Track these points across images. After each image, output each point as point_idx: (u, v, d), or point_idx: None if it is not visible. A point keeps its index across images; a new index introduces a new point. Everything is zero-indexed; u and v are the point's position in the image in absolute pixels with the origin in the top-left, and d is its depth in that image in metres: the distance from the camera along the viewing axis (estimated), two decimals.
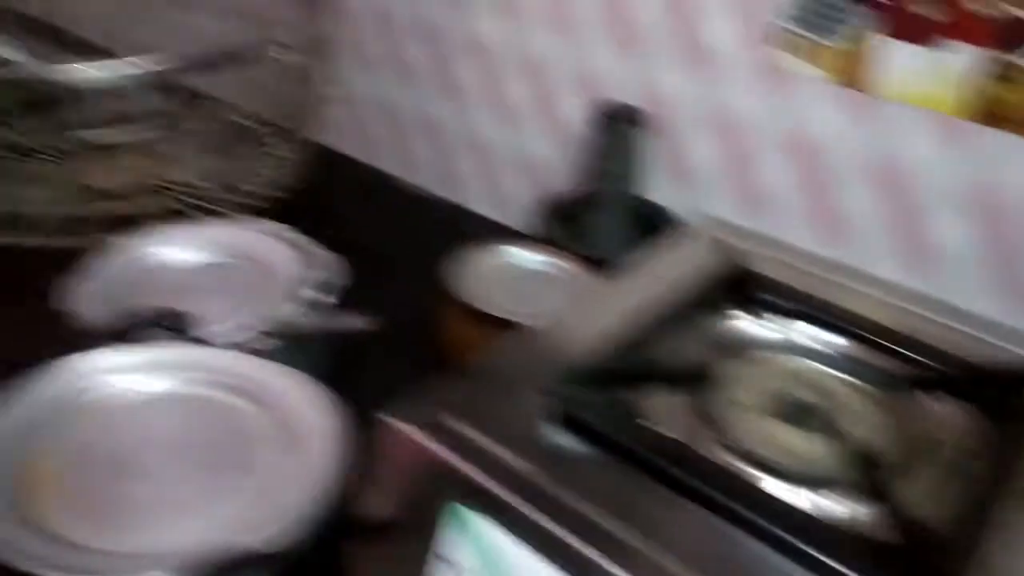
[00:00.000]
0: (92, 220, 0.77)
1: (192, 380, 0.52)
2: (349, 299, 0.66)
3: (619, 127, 0.73)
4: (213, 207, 0.82)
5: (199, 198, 0.83)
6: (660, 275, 0.55)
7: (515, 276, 0.64)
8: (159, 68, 0.65)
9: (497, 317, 0.59)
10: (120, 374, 0.51)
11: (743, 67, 0.68)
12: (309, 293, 0.65)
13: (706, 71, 0.70)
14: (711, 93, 0.71)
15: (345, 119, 1.01)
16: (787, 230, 0.70)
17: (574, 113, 0.81)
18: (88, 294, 0.60)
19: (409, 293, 0.79)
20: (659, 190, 0.77)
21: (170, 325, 0.55)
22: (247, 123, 0.93)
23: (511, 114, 0.86)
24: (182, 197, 0.83)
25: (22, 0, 1.13)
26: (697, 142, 0.73)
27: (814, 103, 0.66)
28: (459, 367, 0.48)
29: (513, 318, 0.59)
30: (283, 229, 0.72)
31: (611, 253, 0.70)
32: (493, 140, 0.89)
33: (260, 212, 0.85)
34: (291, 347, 0.61)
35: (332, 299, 0.64)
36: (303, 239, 0.71)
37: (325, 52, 0.82)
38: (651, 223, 0.74)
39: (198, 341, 0.56)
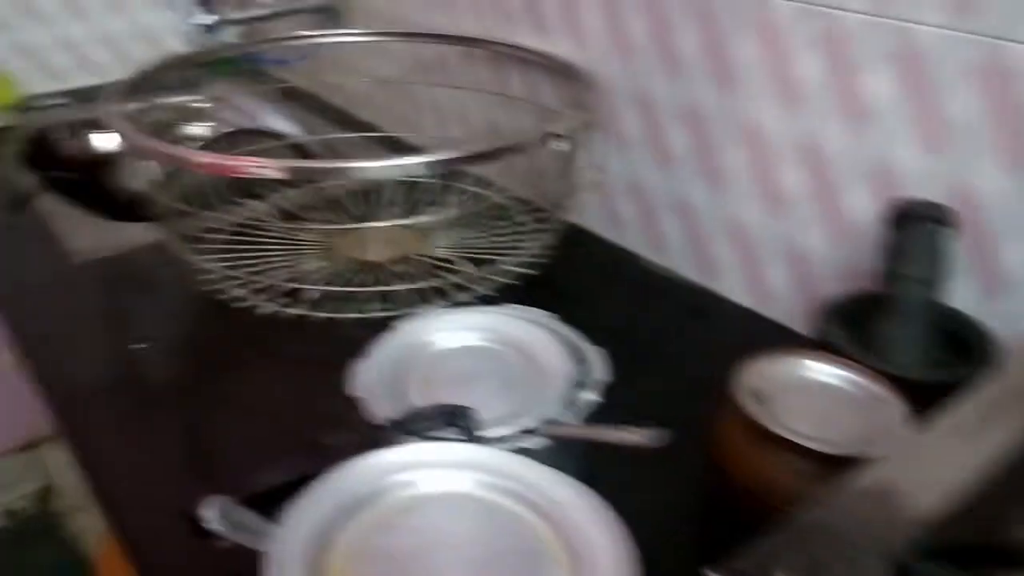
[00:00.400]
0: (362, 295, 0.80)
1: (481, 483, 0.51)
2: (611, 396, 0.63)
3: (922, 226, 0.65)
4: (469, 284, 0.83)
5: (456, 273, 0.85)
6: (1003, 411, 0.47)
7: (807, 391, 0.58)
8: (446, 159, 0.66)
9: (793, 442, 0.53)
10: (412, 471, 0.50)
11: None
12: (579, 393, 0.63)
13: None
14: None
15: (595, 198, 1.00)
16: None
17: (859, 207, 0.74)
18: (373, 380, 0.61)
19: (672, 392, 0.75)
20: (965, 300, 0.68)
21: (457, 423, 0.54)
22: (504, 202, 0.94)
23: (782, 204, 0.80)
24: (442, 274, 0.84)
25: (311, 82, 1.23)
26: (1019, 248, 0.65)
27: None
28: (772, 511, 0.44)
29: (811, 444, 0.53)
30: (548, 318, 0.71)
31: (907, 369, 0.63)
32: (758, 229, 0.84)
33: (513, 289, 0.85)
34: (558, 449, 0.58)
35: (598, 398, 0.62)
36: (567, 330, 0.69)
37: (589, 137, 0.81)
38: (957, 338, 0.66)
39: (480, 439, 0.55)
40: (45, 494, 1.69)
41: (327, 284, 0.81)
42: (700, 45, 0.82)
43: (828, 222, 0.77)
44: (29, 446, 1.78)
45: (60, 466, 1.73)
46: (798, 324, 0.84)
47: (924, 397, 0.56)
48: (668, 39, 0.85)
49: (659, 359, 0.80)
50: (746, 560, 0.38)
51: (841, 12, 0.70)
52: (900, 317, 0.65)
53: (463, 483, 0.50)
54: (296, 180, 0.69)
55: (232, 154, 0.67)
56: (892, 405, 0.56)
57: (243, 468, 0.64)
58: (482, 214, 0.89)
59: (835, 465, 0.53)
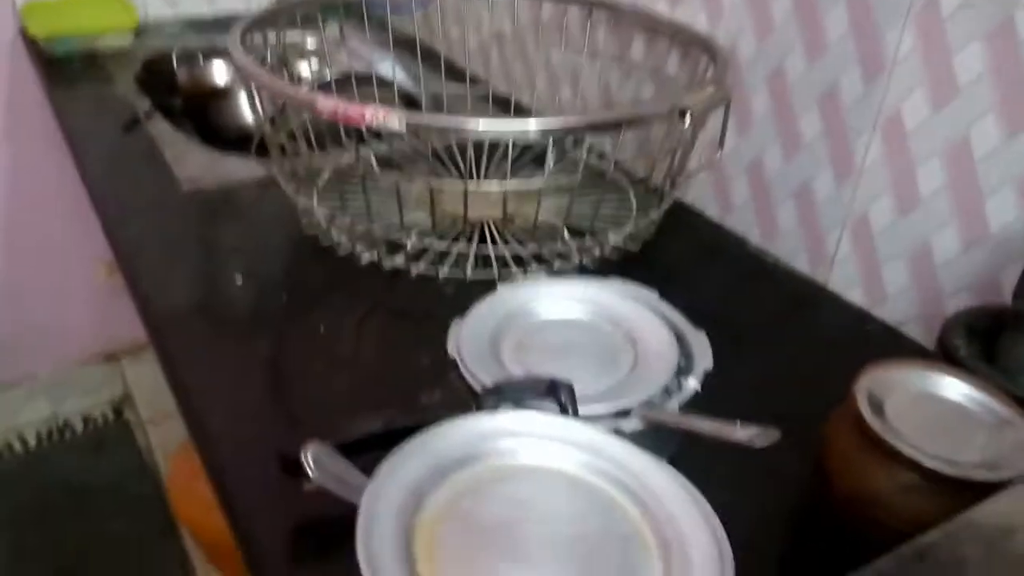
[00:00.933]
0: (462, 255, 0.79)
1: (579, 462, 0.49)
2: (710, 383, 0.60)
3: None
4: (570, 253, 0.81)
5: (558, 241, 0.83)
6: None
7: (928, 405, 0.55)
8: (571, 125, 0.64)
9: (909, 457, 0.50)
10: (511, 439, 0.50)
11: None
12: (680, 379, 0.61)
13: None
14: None
15: (707, 176, 0.96)
16: None
17: (1004, 214, 0.69)
18: (470, 342, 0.60)
19: (774, 386, 0.72)
20: None
21: (556, 396, 0.53)
22: (615, 173, 0.91)
23: (916, 202, 0.75)
24: (543, 240, 0.82)
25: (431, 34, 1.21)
26: None
27: None
28: (875, 526, 0.41)
29: (927, 461, 0.49)
30: (652, 296, 0.68)
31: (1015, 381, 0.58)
32: (884, 225, 0.79)
33: (614, 263, 0.82)
34: (653, 435, 0.56)
35: (698, 386, 0.59)
36: (671, 310, 0.67)
37: (714, 114, 0.77)
38: None
39: (577, 415, 0.53)
40: (121, 404, 1.77)
41: (428, 238, 0.81)
42: (848, 27, 0.77)
43: (965, 226, 0.72)
44: (111, 357, 1.86)
45: (139, 379, 1.81)
46: (912, 331, 0.79)
47: None
48: (813, 18, 0.80)
49: (761, 350, 0.76)
50: None
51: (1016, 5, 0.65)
52: None
53: (561, 459, 0.49)
54: (415, 133, 0.68)
55: (347, 99, 0.66)
56: (1020, 429, 0.52)
57: (332, 414, 0.64)
58: (591, 183, 0.86)
59: (951, 487, 0.49)
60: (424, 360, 0.70)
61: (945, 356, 0.62)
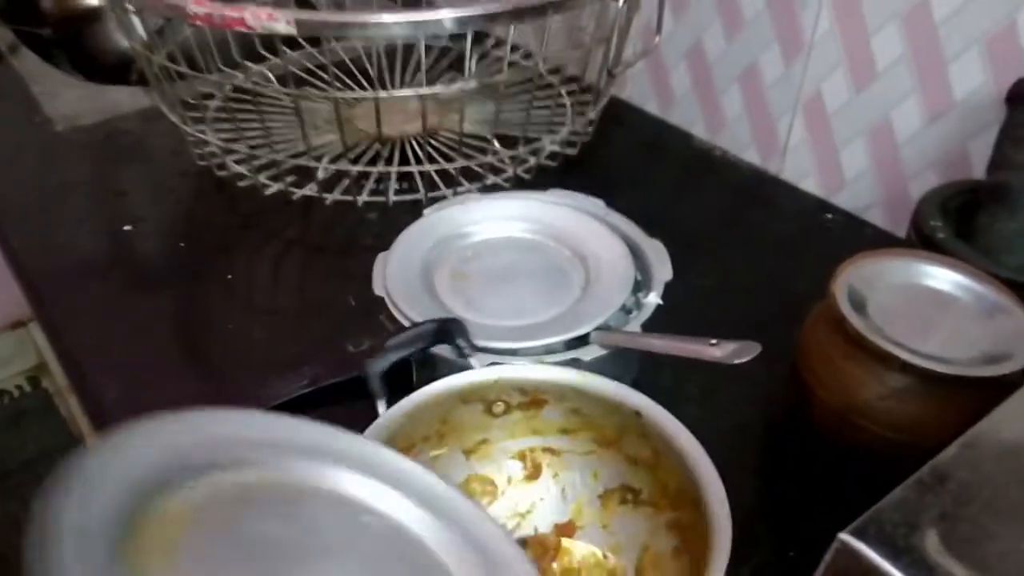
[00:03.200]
0: (381, 175, 0.70)
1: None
2: (669, 297, 0.54)
3: None
4: (505, 166, 0.73)
5: (487, 152, 0.74)
6: None
7: (913, 297, 0.49)
8: (483, 14, 0.54)
9: (899, 358, 0.44)
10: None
11: None
12: (638, 295, 0.54)
13: None
14: None
15: (646, 68, 0.88)
16: None
17: (968, 82, 0.63)
18: (397, 276, 0.52)
19: (738, 292, 0.66)
20: None
21: (449, 340, 0.46)
22: (542, 71, 0.82)
23: (873, 74, 0.69)
24: (470, 152, 0.74)
25: None
26: None
27: None
28: (870, 438, 0.35)
29: (921, 362, 0.44)
30: (597, 205, 0.61)
31: (1013, 269, 0.53)
32: (839, 104, 0.72)
33: (550, 172, 0.74)
34: (614, 359, 0.50)
35: (659, 300, 0.53)
36: (620, 219, 0.60)
37: None
38: None
39: (481, 351, 0.46)
40: (37, 374, 1.64)
41: (339, 161, 0.71)
42: None
43: (927, 97, 0.66)
44: (18, 324, 1.71)
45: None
46: (875, 216, 0.74)
47: None
48: None
49: (719, 252, 0.70)
50: (888, 520, 0.29)
51: None
52: (1013, 211, 0.55)
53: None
54: (306, 36, 0.58)
55: (231, 4, 0.55)
56: (1016, 317, 0.47)
57: (249, 374, 0.56)
58: (519, 85, 0.77)
59: (948, 386, 0.44)
60: (350, 301, 0.62)
61: (921, 241, 0.57)
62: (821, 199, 0.77)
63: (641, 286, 0.55)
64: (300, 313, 0.62)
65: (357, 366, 0.46)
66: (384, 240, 0.63)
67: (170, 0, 0.55)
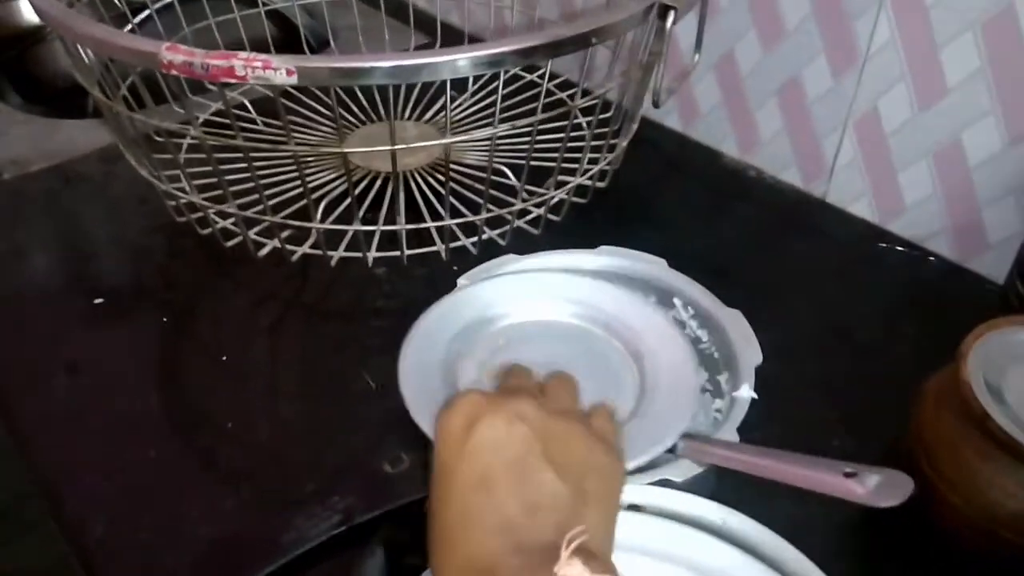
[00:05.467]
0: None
1: None
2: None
3: None
4: (525, 203, 0.63)
5: (506, 190, 0.65)
6: None
7: None
8: (517, 49, 0.45)
9: None
10: None
11: None
12: (724, 383, 0.46)
13: None
14: None
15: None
16: None
17: None
18: (420, 378, 0.42)
19: (824, 360, 0.57)
20: None
21: None
22: (560, 94, 0.72)
23: (940, 90, 0.61)
24: (488, 190, 0.64)
25: None
26: None
27: None
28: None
29: None
30: (660, 266, 0.52)
31: None
32: (898, 121, 0.65)
33: (578, 210, 0.66)
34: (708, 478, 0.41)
35: (751, 393, 0.45)
36: (686, 281, 0.51)
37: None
38: None
39: None
40: None
41: (341, 208, 0.62)
42: None
43: (1007, 117, 0.58)
44: None
45: None
46: (939, 246, 0.66)
47: None
48: None
49: (778, 305, 0.62)
50: None
51: None
52: None
53: None
54: (308, 86, 0.48)
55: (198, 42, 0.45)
56: None
57: (262, 498, 0.46)
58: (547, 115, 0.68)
59: None
60: (368, 382, 0.53)
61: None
62: (874, 224, 0.70)
63: (719, 367, 0.47)
64: (313, 405, 0.53)
65: (397, 493, 0.38)
66: (397, 301, 0.55)
67: (139, 46, 0.45)
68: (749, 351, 0.46)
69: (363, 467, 0.46)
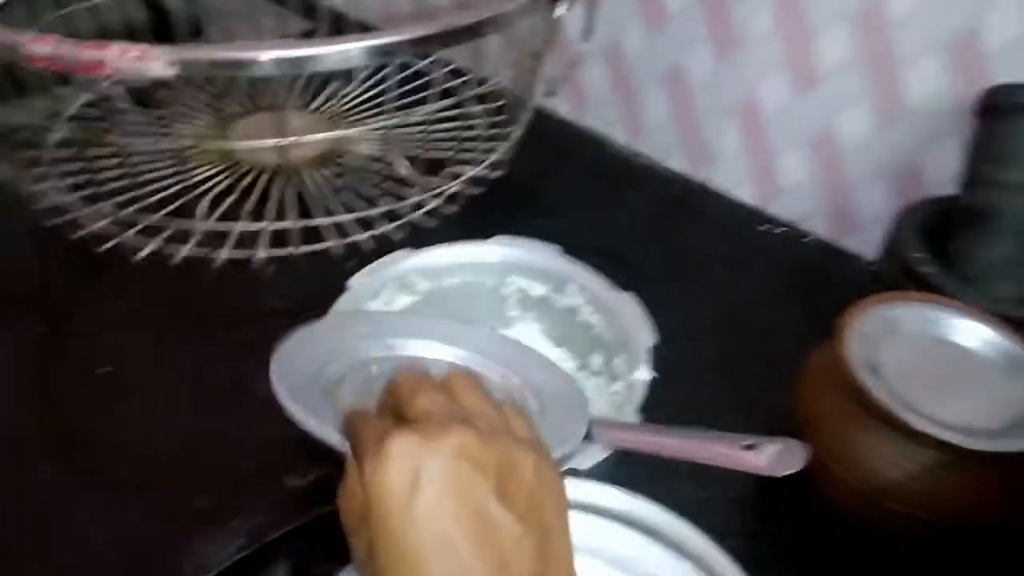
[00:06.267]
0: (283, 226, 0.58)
1: None
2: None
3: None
4: (417, 195, 0.63)
5: (399, 182, 0.64)
6: None
7: (928, 354, 0.45)
8: (405, 39, 0.45)
9: (942, 440, 0.40)
10: None
11: None
12: (618, 365, 0.47)
13: None
14: None
15: (553, 68, 0.79)
16: None
17: (925, 86, 0.59)
18: (307, 392, 0.41)
19: (706, 337, 0.59)
20: None
21: None
22: (452, 81, 0.71)
23: (815, 77, 0.64)
24: (378, 183, 0.63)
25: None
26: None
27: None
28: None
29: (958, 440, 0.40)
30: (553, 253, 0.53)
31: (1011, 305, 0.50)
32: (777, 107, 0.67)
33: (471, 201, 0.65)
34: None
35: (650, 373, 0.46)
36: (580, 270, 0.52)
37: None
38: None
39: None
40: None
41: (225, 203, 0.59)
42: None
43: (876, 103, 0.62)
44: None
45: None
46: (816, 226, 0.70)
47: None
48: None
49: (670, 289, 0.63)
50: None
51: None
52: (997, 237, 0.52)
53: None
54: (190, 76, 0.45)
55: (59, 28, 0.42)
56: None
57: (163, 520, 0.44)
58: (426, 99, 0.67)
59: (981, 459, 0.40)
60: (276, 403, 0.50)
61: (902, 272, 0.53)
62: (755, 208, 0.73)
63: (615, 350, 0.48)
64: (206, 417, 0.50)
65: (303, 507, 0.37)
66: (291, 301, 0.53)
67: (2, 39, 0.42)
68: (643, 333, 0.47)
69: (266, 482, 0.44)
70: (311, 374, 0.41)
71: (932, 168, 0.61)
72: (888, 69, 0.60)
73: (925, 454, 0.41)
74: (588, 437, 0.40)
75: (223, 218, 0.58)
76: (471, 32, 0.47)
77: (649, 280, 0.63)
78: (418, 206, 0.60)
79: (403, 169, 0.64)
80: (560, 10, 0.51)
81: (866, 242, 0.67)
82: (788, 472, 0.36)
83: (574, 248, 0.53)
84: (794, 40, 0.64)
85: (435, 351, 0.46)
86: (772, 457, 0.36)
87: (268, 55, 0.42)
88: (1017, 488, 0.41)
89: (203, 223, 0.54)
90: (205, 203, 0.59)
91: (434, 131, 0.64)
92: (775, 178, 0.70)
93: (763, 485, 0.48)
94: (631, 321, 0.48)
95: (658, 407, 0.44)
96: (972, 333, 0.45)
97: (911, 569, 0.45)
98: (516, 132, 0.65)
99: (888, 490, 0.42)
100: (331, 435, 0.36)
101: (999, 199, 0.51)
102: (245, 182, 0.64)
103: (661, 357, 0.46)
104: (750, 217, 0.72)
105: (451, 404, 0.32)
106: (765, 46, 0.65)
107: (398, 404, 0.32)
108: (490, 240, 0.53)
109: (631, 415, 0.42)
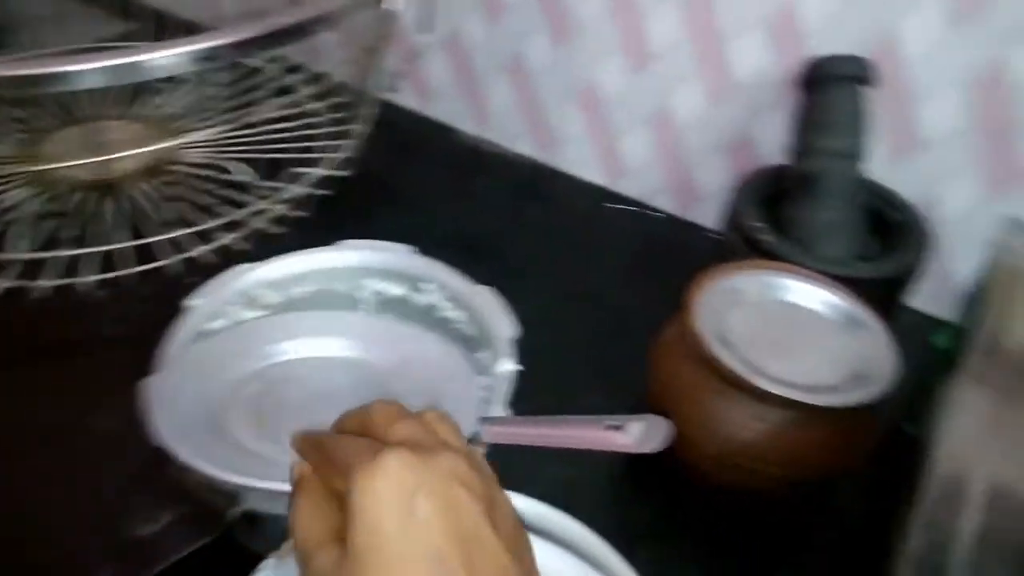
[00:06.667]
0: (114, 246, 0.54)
1: None
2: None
3: (843, 88, 0.54)
4: (262, 204, 0.60)
5: (240, 188, 0.61)
6: None
7: (771, 318, 0.47)
8: (235, 41, 0.42)
9: (788, 399, 0.42)
10: None
11: None
12: (483, 359, 0.47)
13: (982, 15, 0.52)
14: (976, 42, 0.53)
15: (393, 59, 0.78)
16: None
17: (751, 56, 0.61)
18: (181, 418, 0.39)
19: (564, 319, 0.60)
20: (879, 170, 0.60)
21: None
22: (298, 93, 0.68)
23: (648, 57, 0.65)
24: (215, 192, 0.60)
25: None
26: (943, 105, 0.56)
27: None
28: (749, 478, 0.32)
29: (807, 398, 0.42)
30: (407, 253, 0.51)
31: (838, 264, 0.52)
32: (615, 88, 0.69)
33: (321, 203, 0.63)
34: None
35: (514, 365, 0.46)
36: (439, 268, 0.51)
37: None
38: (882, 219, 0.57)
39: None
40: None
41: (41, 226, 0.54)
42: None
43: (706, 80, 0.64)
44: None
45: None
46: (664, 203, 0.72)
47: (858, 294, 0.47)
48: None
49: (529, 276, 0.64)
50: None
51: None
52: (824, 200, 0.55)
53: None
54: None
55: None
56: (874, 331, 0.46)
57: None
58: (262, 96, 0.64)
59: (829, 415, 0.42)
60: (116, 443, 0.47)
61: (745, 242, 0.55)
62: (604, 187, 0.74)
63: (478, 345, 0.48)
64: (40, 462, 0.46)
65: (156, 557, 0.34)
66: (127, 327, 0.49)
67: None
68: (504, 325, 0.47)
69: (111, 531, 0.41)
70: (189, 409, 0.39)
71: (764, 139, 0.64)
72: (715, 46, 0.62)
73: (774, 413, 0.43)
74: (476, 439, 0.40)
75: (44, 244, 0.53)
76: (300, 31, 0.45)
77: (508, 268, 0.63)
78: (262, 213, 0.57)
79: (242, 175, 0.60)
80: (390, 4, 0.50)
81: (710, 213, 0.69)
82: (656, 448, 0.37)
83: (431, 243, 0.52)
84: (626, 23, 0.65)
85: (315, 347, 0.45)
86: (637, 435, 0.37)
87: (73, 69, 0.39)
88: (857, 437, 0.44)
89: (17, 255, 0.50)
90: (22, 228, 0.54)
91: (274, 132, 0.62)
92: (620, 158, 0.72)
93: (632, 461, 0.50)
94: (491, 314, 0.48)
95: (526, 397, 0.45)
96: (809, 295, 0.47)
97: (773, 524, 0.48)
98: (360, 129, 0.63)
99: (744, 451, 0.44)
100: (225, 473, 0.34)
101: (823, 165, 0.54)
102: (65, 202, 0.59)
103: (525, 346, 0.47)
104: (600, 196, 0.74)
105: (429, 435, 0.31)
106: (599, 30, 0.66)
107: (369, 432, 0.31)
108: (339, 244, 0.51)
109: (498, 409, 0.42)
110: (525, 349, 0.46)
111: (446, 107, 0.79)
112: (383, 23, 0.52)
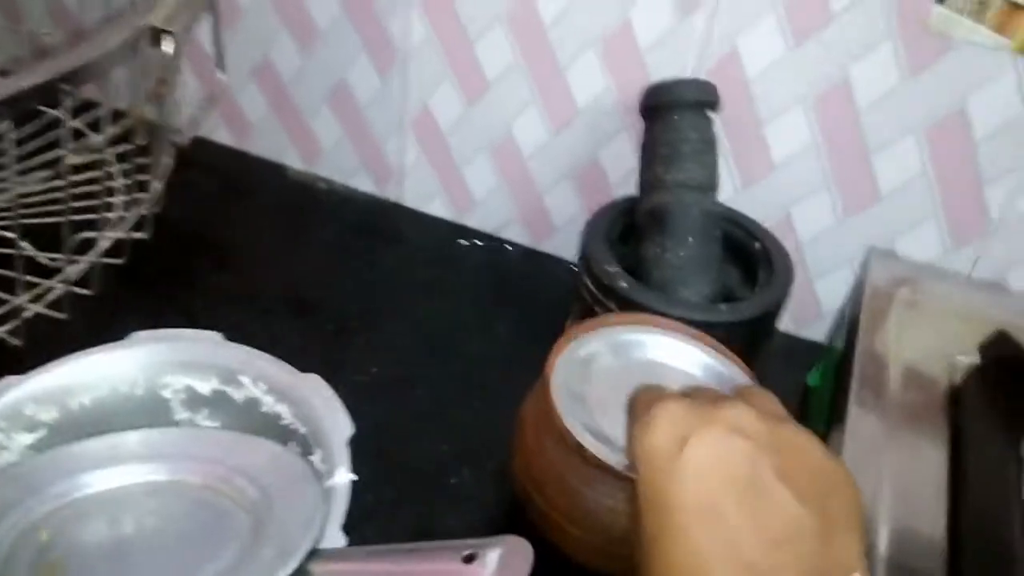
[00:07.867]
0: None
1: None
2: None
3: (690, 115, 0.51)
4: (38, 286, 0.50)
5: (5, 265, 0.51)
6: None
7: (631, 384, 0.42)
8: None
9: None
10: None
11: (871, 24, 0.49)
12: (315, 461, 0.40)
13: (822, 32, 0.50)
14: (823, 60, 0.51)
15: (199, 92, 0.69)
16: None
17: (590, 83, 0.57)
18: None
19: (421, 380, 0.54)
20: (734, 198, 0.57)
21: None
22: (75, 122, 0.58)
23: (483, 84, 0.60)
24: None
25: None
26: (791, 123, 0.54)
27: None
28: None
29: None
30: (209, 343, 0.44)
31: (698, 310, 0.48)
32: (451, 118, 0.63)
33: (118, 273, 0.54)
34: None
35: (350, 475, 0.39)
36: (253, 355, 0.44)
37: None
38: (742, 250, 0.54)
39: None
40: None
41: None
42: None
43: (548, 105, 0.60)
44: None
45: None
46: (514, 234, 0.67)
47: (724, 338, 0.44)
48: None
49: (375, 329, 0.58)
50: None
51: None
52: (678, 238, 0.51)
53: None
54: None
55: None
56: (740, 382, 0.42)
57: None
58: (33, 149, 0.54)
59: None
60: None
61: (600, 289, 0.51)
62: (451, 221, 0.69)
63: (309, 446, 0.41)
64: None
65: None
66: None
67: None
68: (338, 420, 0.40)
69: None
70: None
71: (613, 168, 0.60)
72: (551, 71, 0.58)
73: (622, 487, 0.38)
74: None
75: None
76: (41, 93, 0.36)
77: (350, 323, 0.57)
78: (39, 298, 0.48)
79: (20, 247, 0.50)
80: (170, 48, 0.42)
81: (563, 244, 0.65)
82: None
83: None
84: (455, 49, 0.59)
85: (115, 477, 0.38)
86: (495, 566, 0.32)
87: None
88: None
89: None
90: None
91: (51, 190, 0.52)
92: (466, 189, 0.66)
93: None
94: (322, 407, 0.41)
95: (377, 488, 0.39)
96: (670, 350, 0.43)
97: None
98: (157, 183, 0.55)
99: (624, 540, 0.39)
100: None
101: (674, 199, 0.51)
102: None
103: (370, 424, 0.40)
104: (448, 232, 0.68)
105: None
106: (427, 57, 0.60)
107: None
108: (131, 337, 0.42)
109: (335, 534, 0.36)
110: (370, 428, 0.40)
111: (267, 142, 0.71)
112: (162, 67, 0.44)
